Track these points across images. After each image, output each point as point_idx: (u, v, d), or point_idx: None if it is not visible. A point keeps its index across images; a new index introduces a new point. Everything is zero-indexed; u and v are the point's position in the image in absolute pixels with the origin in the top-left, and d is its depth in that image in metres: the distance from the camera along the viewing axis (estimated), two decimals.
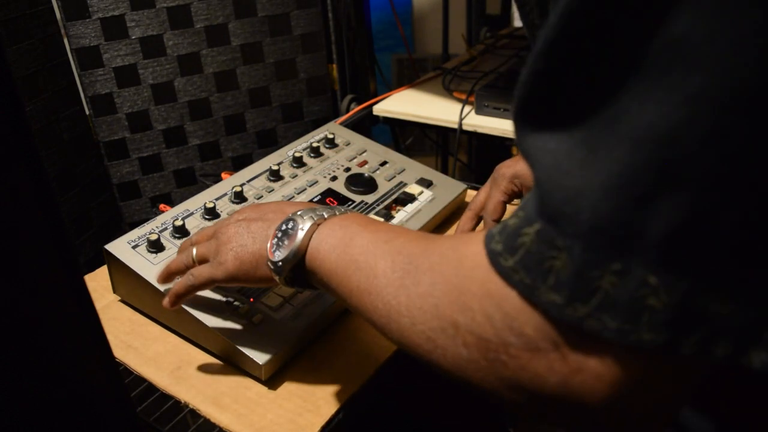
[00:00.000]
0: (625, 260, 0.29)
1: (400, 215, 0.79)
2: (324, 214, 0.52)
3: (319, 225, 0.51)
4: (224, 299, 0.64)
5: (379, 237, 0.47)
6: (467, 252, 0.38)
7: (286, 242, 0.51)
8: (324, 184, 0.82)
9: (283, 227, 0.52)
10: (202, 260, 0.59)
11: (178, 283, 0.59)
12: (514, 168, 0.77)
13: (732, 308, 0.28)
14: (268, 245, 0.53)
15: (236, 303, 0.64)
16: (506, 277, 0.34)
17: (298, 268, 0.51)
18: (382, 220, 0.73)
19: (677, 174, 0.28)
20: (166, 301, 0.60)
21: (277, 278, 0.52)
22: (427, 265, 0.40)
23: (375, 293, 0.43)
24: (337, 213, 0.53)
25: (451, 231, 0.84)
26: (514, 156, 1.52)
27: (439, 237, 0.43)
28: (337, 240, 0.49)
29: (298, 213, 0.52)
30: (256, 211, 0.58)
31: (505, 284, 0.34)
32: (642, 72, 0.28)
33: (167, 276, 0.62)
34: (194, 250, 0.60)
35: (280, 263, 0.51)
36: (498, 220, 0.76)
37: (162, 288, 0.64)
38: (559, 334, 0.33)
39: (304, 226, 0.51)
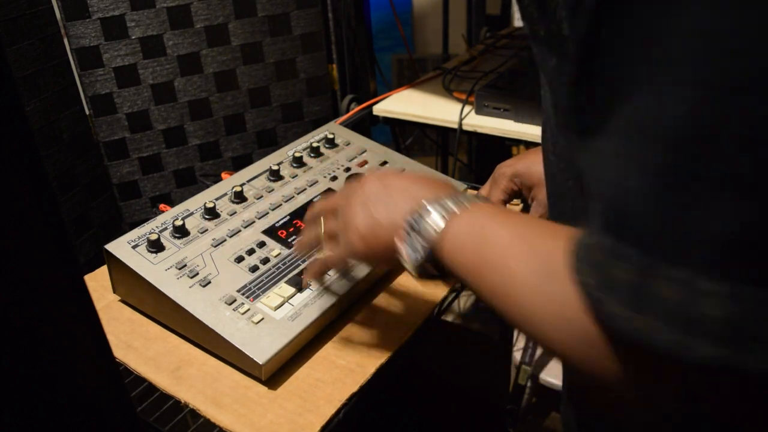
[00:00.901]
0: (680, 266, 0.29)
1: None
2: (454, 208, 0.50)
3: (450, 222, 0.49)
4: (224, 299, 0.64)
5: (511, 232, 0.45)
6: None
7: (417, 239, 0.51)
8: (324, 184, 0.82)
9: (412, 221, 0.51)
10: (331, 236, 0.60)
11: (313, 265, 0.63)
12: (514, 167, 0.77)
13: None
14: (398, 242, 0.52)
15: (236, 303, 0.64)
16: (583, 285, 0.34)
17: (429, 261, 0.51)
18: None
19: (720, 172, 0.27)
20: (307, 275, 0.65)
21: (412, 273, 0.52)
22: (563, 272, 0.39)
23: (514, 295, 0.42)
24: (466, 203, 0.50)
25: None
26: (514, 156, 1.51)
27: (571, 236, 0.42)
28: (468, 236, 0.48)
29: (428, 207, 0.50)
30: (378, 186, 0.57)
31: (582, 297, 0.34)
32: (662, 67, 0.28)
33: (302, 249, 0.66)
34: (323, 226, 0.61)
35: (413, 262, 0.51)
36: None
37: (165, 290, 0.64)
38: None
39: (436, 227, 0.49)
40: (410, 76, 2.22)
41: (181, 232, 0.71)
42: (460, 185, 0.87)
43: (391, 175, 0.58)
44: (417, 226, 0.51)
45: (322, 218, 0.61)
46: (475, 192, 0.52)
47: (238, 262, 0.69)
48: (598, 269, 0.33)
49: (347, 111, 1.18)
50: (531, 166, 0.77)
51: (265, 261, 0.69)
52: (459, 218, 0.49)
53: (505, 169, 0.77)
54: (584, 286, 0.34)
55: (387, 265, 0.56)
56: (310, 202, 0.79)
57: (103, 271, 0.75)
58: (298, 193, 0.80)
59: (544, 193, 0.74)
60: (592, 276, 0.33)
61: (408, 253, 0.51)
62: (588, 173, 0.35)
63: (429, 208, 0.50)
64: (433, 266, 0.51)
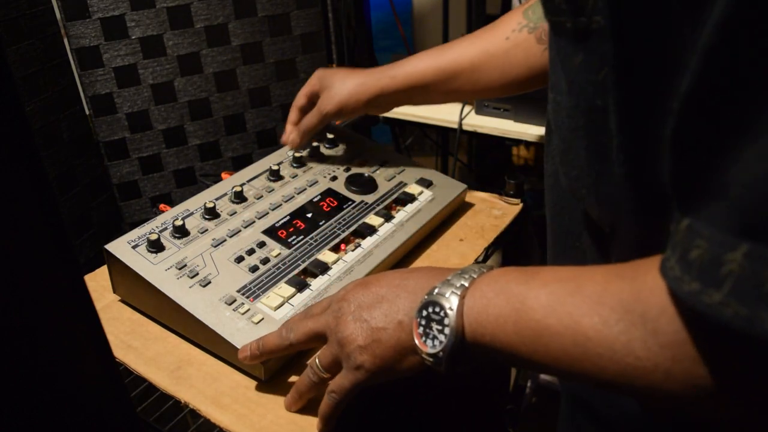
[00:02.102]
0: None
1: (400, 215, 0.79)
2: (464, 282, 0.45)
3: (464, 297, 0.44)
4: (224, 299, 0.64)
5: (556, 290, 0.40)
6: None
7: (436, 329, 0.45)
8: (324, 184, 0.82)
9: (424, 313, 0.46)
10: (330, 368, 0.53)
11: (326, 408, 0.53)
12: (324, 70, 0.85)
13: None
14: (415, 337, 0.46)
15: (236, 303, 0.64)
16: (716, 313, 0.30)
17: (459, 352, 0.45)
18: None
19: None
20: (319, 425, 0.55)
21: (437, 368, 0.46)
22: (656, 310, 0.35)
23: (596, 356, 0.37)
24: (475, 275, 0.46)
25: (452, 231, 0.84)
26: (513, 158, 1.51)
27: (636, 271, 0.38)
28: (501, 308, 0.42)
29: (435, 292, 0.46)
30: (365, 293, 0.51)
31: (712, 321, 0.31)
32: None
33: (299, 399, 0.57)
34: (317, 362, 0.54)
35: (441, 353, 0.45)
36: (302, 111, 0.86)
37: (165, 290, 0.64)
38: None
39: (452, 305, 0.44)
40: None
41: (181, 232, 0.71)
42: (460, 185, 0.87)
43: (373, 280, 0.52)
44: (429, 314, 0.45)
45: (317, 360, 0.54)
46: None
47: (238, 262, 0.69)
48: (740, 284, 0.29)
49: None
50: (334, 74, 0.83)
51: (265, 261, 0.69)
52: (474, 288, 0.45)
53: (318, 71, 0.85)
54: (706, 306, 0.30)
55: (406, 373, 0.49)
56: (310, 202, 0.79)
57: (103, 271, 0.75)
58: (298, 193, 0.80)
59: (325, 96, 0.82)
60: (717, 290, 0.30)
61: (428, 344, 0.45)
62: (708, 180, 0.31)
63: (437, 291, 0.46)
64: (461, 357, 0.45)
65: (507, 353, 0.43)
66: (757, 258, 0.28)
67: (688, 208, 0.32)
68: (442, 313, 0.45)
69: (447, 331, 0.44)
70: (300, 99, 0.86)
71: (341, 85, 0.81)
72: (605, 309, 0.37)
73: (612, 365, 0.37)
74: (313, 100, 0.85)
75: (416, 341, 0.46)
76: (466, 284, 0.45)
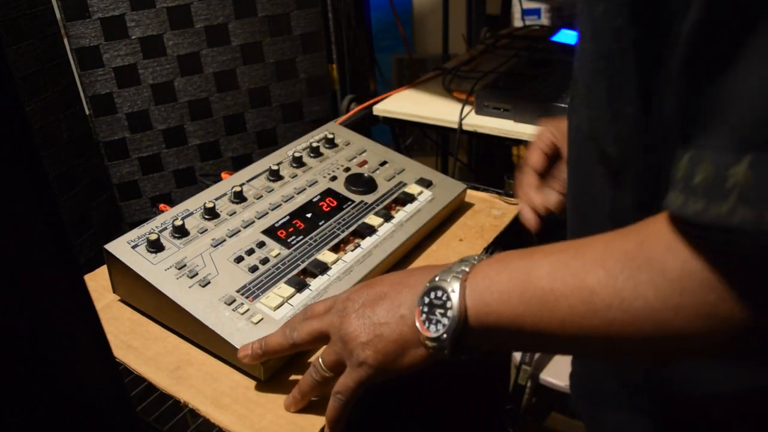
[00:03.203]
0: None
1: (400, 215, 0.79)
2: (464, 267, 0.46)
3: (466, 280, 0.45)
4: (224, 299, 0.64)
5: (559, 258, 0.41)
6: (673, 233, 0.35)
7: (439, 313, 0.45)
8: (324, 184, 0.82)
9: (426, 299, 0.46)
10: (334, 367, 0.53)
11: (333, 411, 0.53)
12: (554, 121, 0.73)
13: None
14: (418, 324, 0.47)
15: (236, 303, 0.64)
16: (725, 222, 0.31)
17: (463, 335, 0.45)
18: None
19: None
20: (327, 430, 0.54)
21: (442, 354, 0.46)
22: (661, 249, 0.36)
23: (604, 308, 0.38)
24: (475, 261, 0.46)
25: (452, 231, 0.84)
26: (513, 158, 1.50)
27: (639, 227, 0.39)
28: (504, 284, 0.43)
29: (436, 279, 0.46)
30: (368, 291, 0.52)
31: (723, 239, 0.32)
32: None
33: (301, 399, 0.56)
34: (321, 362, 0.54)
35: (444, 336, 0.44)
36: (540, 172, 0.70)
37: (164, 290, 0.64)
38: None
39: (453, 288, 0.44)
40: (410, 76, 2.22)
41: (180, 232, 0.71)
42: (460, 185, 0.87)
43: (377, 280, 0.53)
44: (431, 300, 0.46)
45: (320, 360, 0.54)
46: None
47: (238, 263, 0.69)
48: (748, 190, 0.30)
49: (347, 111, 1.18)
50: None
51: (265, 261, 0.69)
52: (476, 272, 0.45)
53: (547, 123, 0.73)
54: (716, 219, 0.31)
55: (409, 368, 0.49)
56: (309, 202, 0.79)
57: (103, 271, 0.75)
58: (298, 193, 0.80)
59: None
60: (725, 201, 0.31)
61: (431, 329, 0.45)
62: (710, 105, 0.32)
63: (438, 279, 0.46)
64: (465, 341, 0.45)
65: (513, 330, 0.43)
66: (762, 164, 0.29)
67: (691, 138, 0.33)
68: (444, 297, 0.45)
69: (450, 314, 0.44)
70: (538, 159, 0.71)
71: None
72: (609, 262, 0.38)
73: (620, 314, 0.37)
74: (551, 159, 0.72)
75: (419, 328, 0.46)
76: (467, 269, 0.46)
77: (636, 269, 0.37)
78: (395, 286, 0.51)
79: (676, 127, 0.35)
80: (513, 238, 0.88)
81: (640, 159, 0.45)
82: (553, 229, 0.62)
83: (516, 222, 0.86)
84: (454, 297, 0.44)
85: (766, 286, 0.33)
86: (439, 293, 0.45)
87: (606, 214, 0.51)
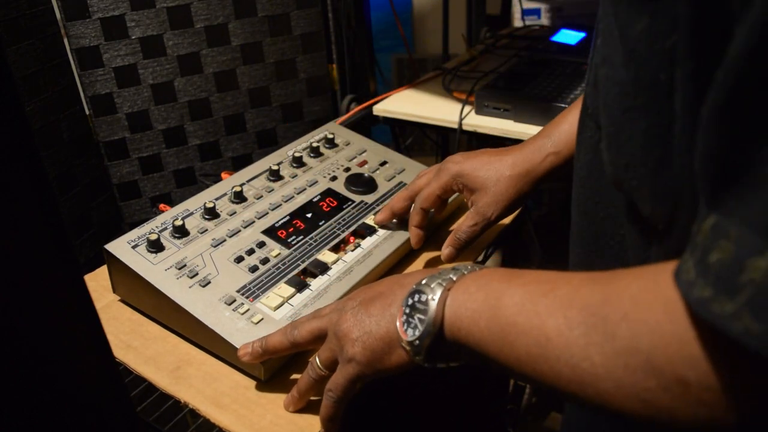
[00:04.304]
0: None
1: None
2: (452, 276, 0.45)
3: (449, 290, 0.44)
4: (224, 299, 0.64)
5: (532, 290, 0.39)
6: (671, 294, 0.31)
7: (417, 317, 0.45)
8: (324, 184, 0.82)
9: (410, 301, 0.46)
10: (329, 364, 0.53)
11: (325, 409, 0.53)
12: (460, 165, 0.70)
13: None
14: (398, 324, 0.46)
15: (236, 303, 0.64)
16: (724, 325, 0.27)
17: (437, 344, 0.44)
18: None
19: None
20: (321, 430, 0.54)
21: (416, 359, 0.46)
22: (619, 315, 0.33)
23: (554, 358, 0.36)
24: (465, 272, 0.46)
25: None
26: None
27: (612, 277, 0.36)
28: (479, 303, 0.42)
29: (423, 282, 0.46)
30: (368, 291, 0.52)
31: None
32: None
33: (299, 399, 0.56)
34: (317, 359, 0.54)
35: (417, 342, 0.44)
36: (426, 210, 0.73)
37: (164, 290, 0.64)
38: None
39: (434, 295, 0.44)
40: (410, 76, 2.22)
41: (180, 232, 0.71)
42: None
43: (380, 281, 0.53)
44: (413, 302, 0.46)
45: (316, 357, 0.54)
46: (469, 264, 0.48)
47: (238, 263, 0.69)
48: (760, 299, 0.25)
49: (347, 111, 1.18)
50: (478, 169, 0.69)
51: (265, 261, 0.69)
52: (460, 283, 0.44)
53: (451, 166, 0.71)
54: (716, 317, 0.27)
55: (395, 371, 0.48)
56: (309, 203, 0.79)
57: (103, 271, 0.75)
58: (298, 193, 0.80)
59: (485, 202, 0.68)
60: (730, 300, 0.26)
61: (407, 332, 0.45)
62: (749, 164, 0.27)
63: (424, 282, 0.46)
64: (440, 350, 0.45)
65: (478, 351, 0.42)
66: None
67: (718, 202, 0.28)
68: (425, 301, 0.45)
69: (426, 320, 0.44)
70: (427, 200, 0.72)
71: (496, 184, 0.68)
72: (572, 311, 0.36)
73: (567, 370, 0.36)
74: (444, 201, 0.74)
75: (398, 328, 0.46)
76: (454, 278, 0.45)
77: (591, 327, 0.34)
78: (392, 285, 0.51)
79: (706, 176, 0.30)
80: (513, 238, 0.87)
81: (692, 218, 0.37)
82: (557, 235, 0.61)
83: (516, 222, 0.86)
84: (432, 304, 0.44)
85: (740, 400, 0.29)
86: (422, 297, 0.45)
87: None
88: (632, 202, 0.41)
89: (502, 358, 0.40)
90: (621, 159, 0.40)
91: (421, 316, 0.44)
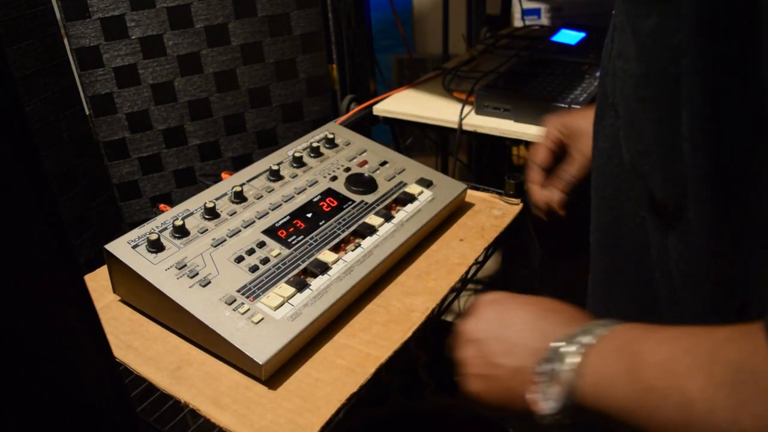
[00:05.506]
0: None
1: (400, 215, 0.79)
2: (587, 339, 0.42)
3: (586, 354, 0.41)
4: (224, 299, 0.64)
5: (673, 348, 0.37)
6: None
7: (552, 387, 0.42)
8: (324, 184, 0.82)
9: (544, 367, 0.43)
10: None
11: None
12: (561, 118, 0.75)
13: None
14: (531, 392, 0.44)
15: (236, 303, 0.64)
16: None
17: (572, 413, 0.42)
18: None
19: None
20: None
21: (545, 421, 0.44)
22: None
23: (698, 425, 0.34)
24: (603, 330, 0.42)
25: (452, 231, 0.84)
26: (513, 158, 1.49)
27: (760, 328, 0.33)
28: (615, 367, 0.40)
29: (560, 349, 0.43)
30: (494, 319, 0.49)
31: None
32: None
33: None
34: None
35: (551, 412, 0.42)
36: (546, 168, 0.76)
37: (165, 290, 0.64)
38: None
39: (571, 366, 0.41)
40: (410, 76, 2.22)
41: (181, 232, 0.71)
42: (460, 185, 0.87)
43: (511, 305, 0.50)
44: (550, 371, 0.43)
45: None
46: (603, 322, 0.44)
47: (238, 262, 0.69)
48: None
49: (347, 111, 1.18)
50: (579, 117, 0.74)
51: (265, 261, 0.69)
52: (596, 350, 0.41)
53: (555, 117, 0.76)
54: None
55: (506, 412, 0.47)
56: (309, 202, 0.79)
57: (103, 271, 0.75)
58: (298, 193, 0.80)
59: (587, 146, 0.68)
60: None
61: (543, 404, 0.43)
62: None
63: (562, 349, 0.43)
64: (574, 416, 0.42)
65: (617, 417, 0.40)
66: None
67: None
68: (564, 372, 0.42)
69: (563, 389, 0.42)
70: (537, 153, 0.76)
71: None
72: (717, 368, 0.33)
73: None
74: (558, 155, 0.76)
75: (531, 395, 0.44)
76: (590, 342, 0.42)
77: (740, 383, 0.32)
78: (527, 325, 0.48)
79: None
80: (513, 238, 0.88)
81: (700, 202, 0.38)
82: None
83: (516, 222, 0.86)
84: (570, 377, 0.41)
85: None
86: (558, 366, 0.42)
87: (646, 263, 0.46)
88: (648, 187, 0.42)
89: (641, 424, 0.38)
90: (636, 146, 0.42)
91: (557, 387, 0.42)
